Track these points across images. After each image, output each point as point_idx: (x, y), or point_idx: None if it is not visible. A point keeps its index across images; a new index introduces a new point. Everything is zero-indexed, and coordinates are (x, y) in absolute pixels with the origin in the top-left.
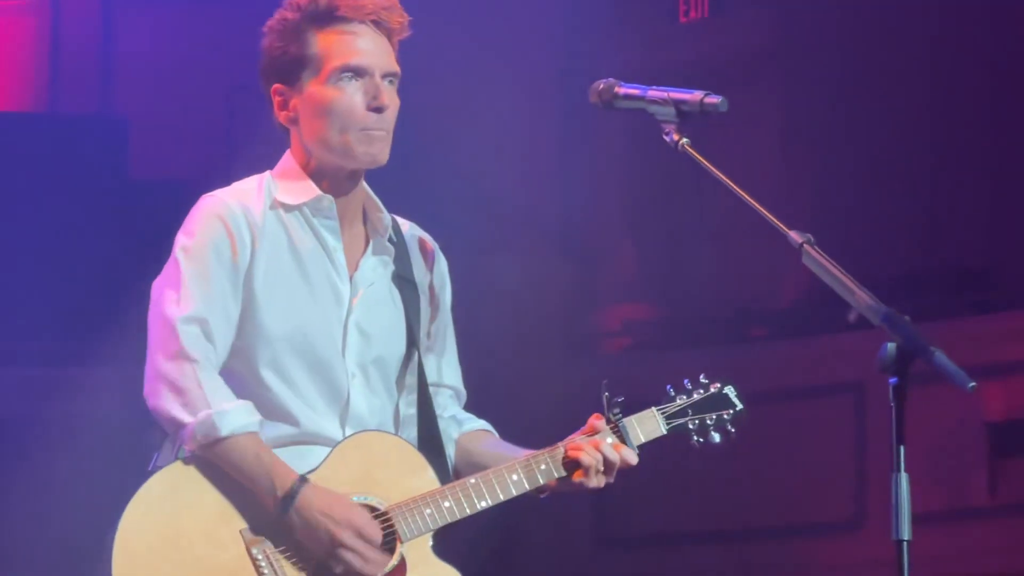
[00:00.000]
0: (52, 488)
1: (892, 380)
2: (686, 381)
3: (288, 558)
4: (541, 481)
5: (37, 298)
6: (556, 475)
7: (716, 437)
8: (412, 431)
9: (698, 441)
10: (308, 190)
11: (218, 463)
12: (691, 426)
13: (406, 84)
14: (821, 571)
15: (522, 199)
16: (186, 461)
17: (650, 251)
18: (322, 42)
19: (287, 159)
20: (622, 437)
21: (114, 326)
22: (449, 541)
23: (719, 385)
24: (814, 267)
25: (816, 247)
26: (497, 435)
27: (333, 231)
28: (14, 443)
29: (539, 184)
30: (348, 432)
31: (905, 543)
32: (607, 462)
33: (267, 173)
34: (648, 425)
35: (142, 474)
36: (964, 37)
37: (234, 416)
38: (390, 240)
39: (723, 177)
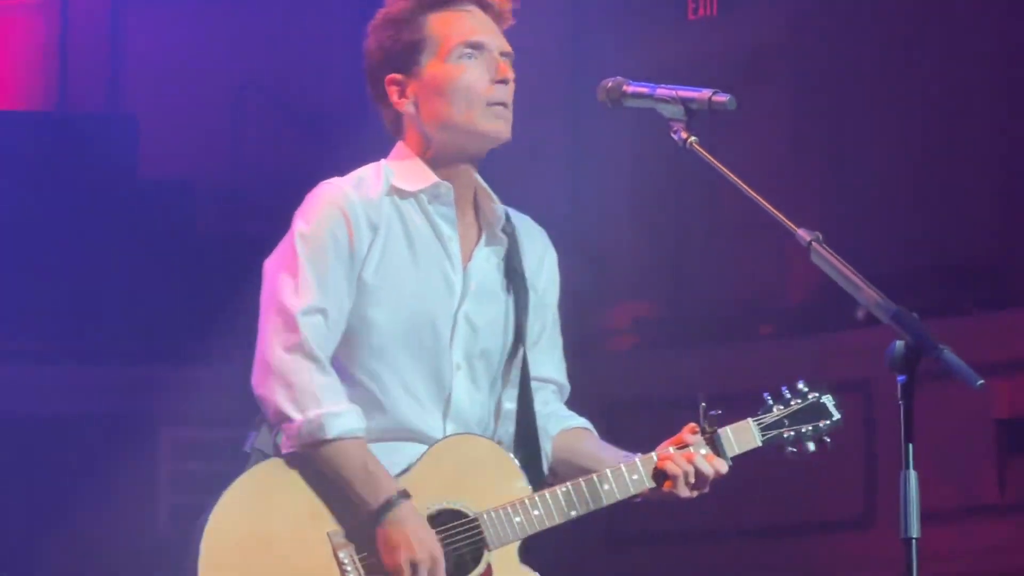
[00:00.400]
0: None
1: (900, 378)
2: (784, 389)
3: (373, 564)
4: (632, 491)
5: (45, 296)
6: (647, 485)
7: (811, 447)
8: (510, 427)
9: (792, 452)
10: (426, 176)
11: (318, 464)
12: (787, 436)
13: None
14: (831, 569)
15: (531, 197)
16: (281, 459)
17: (658, 249)
18: (436, 24)
19: (401, 148)
20: (716, 448)
21: (126, 324)
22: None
23: (817, 394)
24: (822, 265)
25: (824, 244)
26: (596, 433)
27: (449, 220)
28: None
29: (548, 182)
30: (448, 426)
31: (914, 541)
32: (699, 474)
33: (382, 161)
34: (743, 436)
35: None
36: (973, 34)
37: (344, 420)
38: (503, 230)
39: (731, 175)
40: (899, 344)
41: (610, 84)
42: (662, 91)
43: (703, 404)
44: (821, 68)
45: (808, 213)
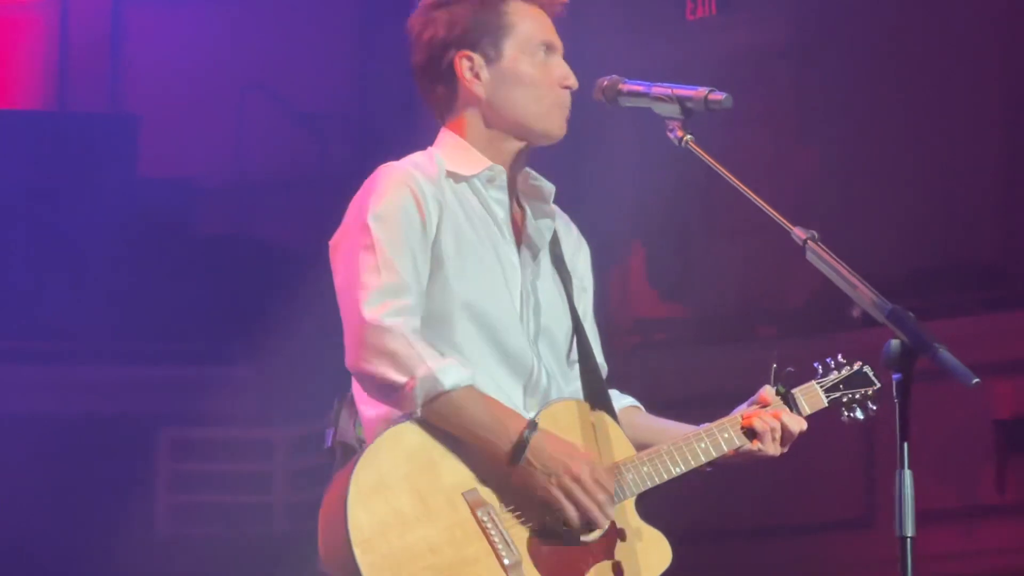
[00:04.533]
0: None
1: (896, 376)
2: (829, 360)
3: (512, 518)
4: (725, 449)
5: (44, 295)
6: (737, 443)
7: (860, 414)
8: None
9: (848, 416)
10: (479, 161)
11: (441, 421)
12: (844, 400)
13: (409, 84)
14: (832, 569)
15: None
16: (395, 431)
17: (659, 249)
18: (518, 14)
19: (448, 135)
20: (791, 407)
21: (125, 324)
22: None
23: (860, 364)
24: (818, 263)
25: (820, 243)
26: (643, 409)
27: (502, 204)
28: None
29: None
30: (528, 401)
31: (909, 540)
32: (787, 430)
33: (430, 149)
34: (812, 398)
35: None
36: (977, 33)
37: (455, 370)
38: (548, 211)
39: (727, 174)
40: (895, 343)
41: (606, 82)
42: (658, 89)
43: (774, 365)
44: (820, 67)
45: (811, 213)
